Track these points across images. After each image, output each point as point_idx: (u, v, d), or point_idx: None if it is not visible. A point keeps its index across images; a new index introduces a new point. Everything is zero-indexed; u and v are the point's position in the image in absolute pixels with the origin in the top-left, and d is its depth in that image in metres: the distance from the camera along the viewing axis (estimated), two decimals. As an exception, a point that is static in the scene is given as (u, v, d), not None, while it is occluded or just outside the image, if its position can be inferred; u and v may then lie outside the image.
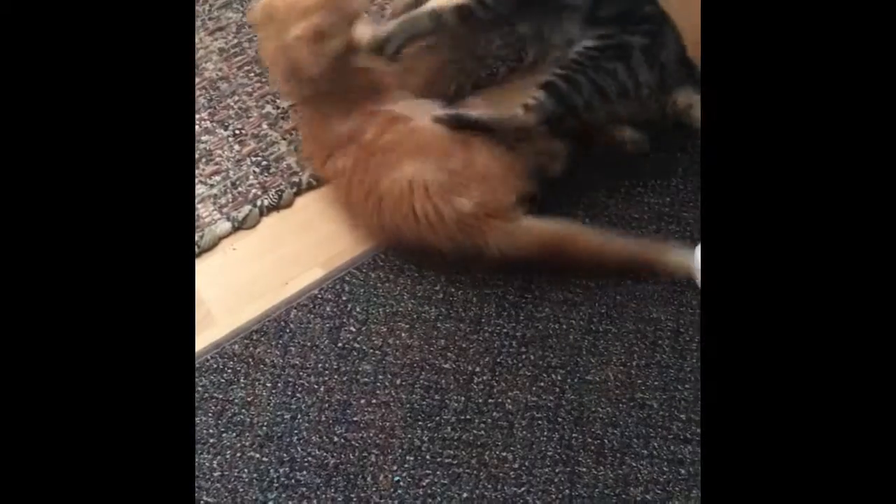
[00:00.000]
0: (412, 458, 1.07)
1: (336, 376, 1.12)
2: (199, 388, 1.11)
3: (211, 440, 1.09)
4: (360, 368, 1.13)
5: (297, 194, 1.26)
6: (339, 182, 1.20)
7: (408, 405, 1.10)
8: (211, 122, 1.31)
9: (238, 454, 1.08)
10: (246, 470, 1.07)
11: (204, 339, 1.15)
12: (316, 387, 1.12)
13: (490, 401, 1.11)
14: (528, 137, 1.18)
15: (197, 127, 1.30)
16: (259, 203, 1.25)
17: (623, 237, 1.18)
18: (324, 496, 1.06)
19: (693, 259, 1.18)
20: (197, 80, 1.33)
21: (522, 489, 1.06)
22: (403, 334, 1.15)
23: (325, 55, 1.14)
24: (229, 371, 1.13)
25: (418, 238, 1.15)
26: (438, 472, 1.07)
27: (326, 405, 1.11)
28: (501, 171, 1.15)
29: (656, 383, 1.12)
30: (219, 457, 1.08)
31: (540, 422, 1.09)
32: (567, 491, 1.05)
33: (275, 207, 1.25)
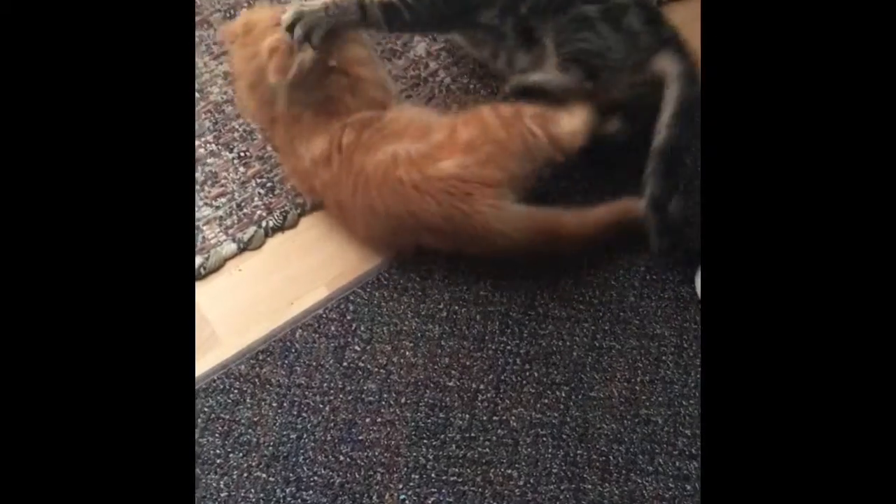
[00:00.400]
0: (417, 477, 1.08)
1: (341, 395, 1.13)
2: (206, 409, 1.12)
3: (218, 460, 1.09)
4: (364, 387, 1.13)
5: (301, 215, 1.27)
6: (328, 191, 1.20)
7: (413, 423, 1.11)
8: (216, 144, 1.32)
9: (245, 474, 1.09)
10: (252, 490, 1.08)
11: (210, 359, 1.16)
12: (321, 406, 1.12)
13: (494, 418, 1.11)
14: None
15: (202, 150, 1.31)
16: (264, 224, 1.26)
17: (596, 207, 1.19)
18: (330, 515, 1.06)
19: (695, 278, 1.18)
20: (202, 103, 1.35)
21: (528, 507, 1.06)
22: (408, 353, 1.16)
23: (292, 66, 1.15)
24: (235, 391, 1.14)
25: (408, 209, 1.14)
26: (444, 491, 1.07)
27: (332, 424, 1.11)
28: (490, 148, 1.15)
29: (660, 399, 1.12)
30: (225, 477, 1.08)
31: (544, 439, 1.10)
32: (572, 508, 1.06)
33: (280, 228, 1.26)
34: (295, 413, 1.12)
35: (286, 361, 1.15)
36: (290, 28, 1.15)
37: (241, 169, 1.30)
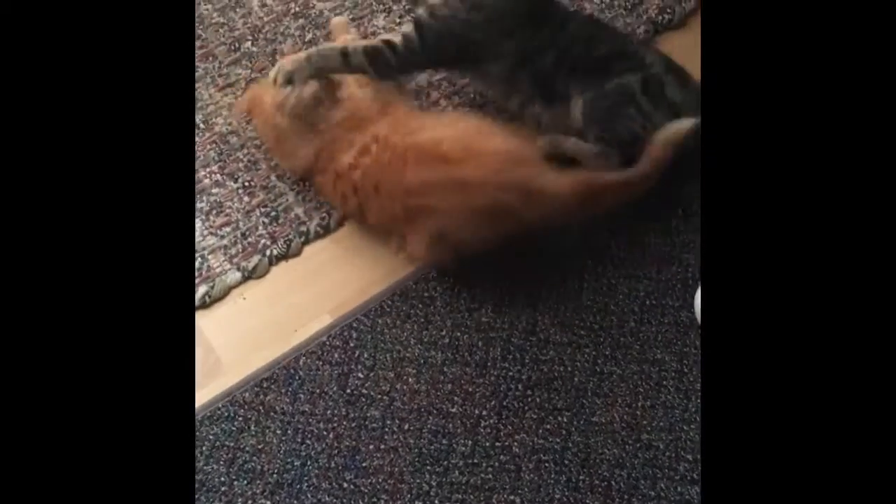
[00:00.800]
0: (421, 503, 1.08)
1: (345, 422, 1.14)
2: (211, 437, 1.13)
3: (222, 488, 1.10)
4: (368, 414, 1.14)
5: (305, 243, 1.29)
6: (367, 179, 1.22)
7: (416, 450, 1.12)
8: (221, 174, 1.34)
9: (249, 502, 1.09)
10: (257, 517, 1.08)
11: (215, 387, 1.17)
12: (325, 433, 1.13)
13: (497, 444, 1.12)
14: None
15: (207, 180, 1.33)
16: (268, 253, 1.27)
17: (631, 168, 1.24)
18: (334, 543, 1.06)
19: (694, 298, 1.19)
20: (207, 134, 1.37)
21: (531, 533, 1.06)
22: (410, 379, 1.17)
23: (289, 101, 1.25)
24: (240, 419, 1.14)
25: (454, 177, 1.17)
26: (447, 517, 1.07)
27: (336, 451, 1.12)
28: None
29: (662, 424, 1.12)
30: (230, 505, 1.09)
31: (547, 464, 1.10)
32: (575, 534, 1.06)
33: (283, 257, 1.28)
34: (299, 440, 1.13)
35: (290, 389, 1.16)
36: (275, 80, 1.25)
37: (246, 198, 1.32)
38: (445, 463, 1.11)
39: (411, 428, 1.13)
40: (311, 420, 1.14)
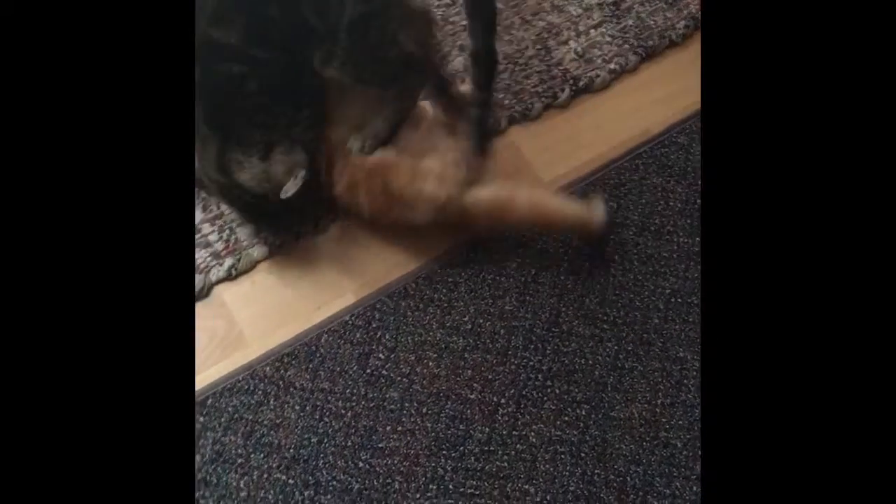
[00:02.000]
0: (435, 487, 1.09)
1: (363, 402, 1.14)
2: (230, 409, 1.14)
3: (239, 460, 1.11)
4: (387, 395, 1.15)
5: (333, 221, 1.29)
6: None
7: (433, 434, 1.12)
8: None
9: (265, 475, 1.10)
10: (272, 491, 1.09)
11: (236, 359, 1.18)
12: (343, 412, 1.14)
13: (514, 433, 1.12)
14: None
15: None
16: (295, 228, 1.28)
17: (558, 197, 1.24)
18: (347, 520, 1.07)
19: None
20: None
21: (543, 523, 1.06)
22: (431, 363, 1.17)
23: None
24: (260, 392, 1.15)
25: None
26: (460, 502, 1.08)
27: (353, 430, 1.12)
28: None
29: (681, 423, 1.12)
30: (246, 477, 1.10)
31: (563, 456, 1.10)
32: (588, 527, 1.06)
33: (311, 233, 1.28)
34: (317, 417, 1.13)
35: (311, 366, 1.17)
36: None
37: (276, 173, 1.32)
38: (462, 448, 1.11)
39: (429, 412, 1.13)
40: (329, 398, 1.15)
